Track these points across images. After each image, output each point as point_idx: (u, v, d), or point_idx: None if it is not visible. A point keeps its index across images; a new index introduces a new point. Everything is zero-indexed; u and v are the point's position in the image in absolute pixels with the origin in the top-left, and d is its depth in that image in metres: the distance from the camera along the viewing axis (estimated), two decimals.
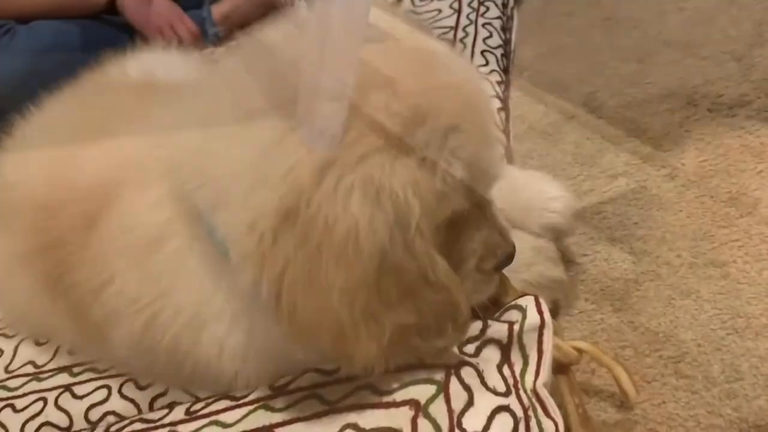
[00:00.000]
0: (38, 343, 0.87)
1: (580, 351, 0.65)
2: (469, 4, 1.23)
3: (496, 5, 1.22)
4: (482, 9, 1.21)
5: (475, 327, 0.62)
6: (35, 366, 0.83)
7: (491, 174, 0.57)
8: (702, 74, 1.03)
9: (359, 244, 0.47)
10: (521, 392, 0.57)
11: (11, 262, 0.73)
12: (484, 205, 0.59)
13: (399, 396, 0.56)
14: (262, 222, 0.48)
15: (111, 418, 0.73)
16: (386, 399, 0.56)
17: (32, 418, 0.76)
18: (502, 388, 0.57)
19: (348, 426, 0.55)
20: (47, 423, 0.75)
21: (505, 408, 0.55)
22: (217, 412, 0.62)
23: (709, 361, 0.67)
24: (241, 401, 0.62)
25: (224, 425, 0.60)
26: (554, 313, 0.76)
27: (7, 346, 0.88)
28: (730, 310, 0.70)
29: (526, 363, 0.60)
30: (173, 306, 0.59)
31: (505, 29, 1.20)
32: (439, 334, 0.54)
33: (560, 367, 0.64)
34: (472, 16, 1.19)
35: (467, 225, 0.58)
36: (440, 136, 0.50)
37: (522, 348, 0.60)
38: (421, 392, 0.56)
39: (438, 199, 0.50)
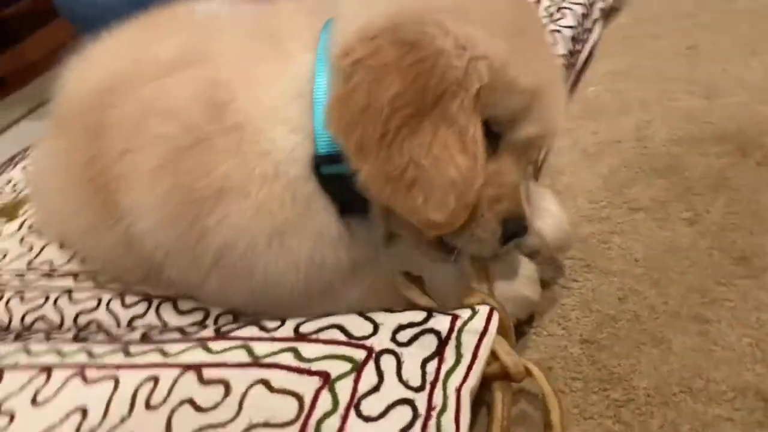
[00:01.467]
0: (60, 246, 0.96)
1: (528, 371, 0.64)
2: (546, 8, 1.21)
3: (575, 15, 1.19)
4: (557, 15, 1.18)
5: (419, 315, 0.63)
6: (50, 266, 0.92)
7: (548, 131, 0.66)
8: (764, 124, 0.96)
9: (430, 75, 0.58)
10: (437, 390, 0.58)
11: (64, 166, 0.80)
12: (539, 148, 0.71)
13: (315, 366, 0.59)
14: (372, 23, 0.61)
15: (93, 327, 0.80)
16: (303, 365, 0.59)
17: (33, 310, 0.85)
18: (416, 382, 0.58)
19: (260, 381, 0.58)
20: (43, 317, 0.83)
21: (409, 402, 0.56)
22: (167, 342, 0.67)
23: (653, 413, 0.64)
24: (191, 337, 0.67)
25: (166, 354, 0.65)
26: (521, 330, 0.76)
27: (37, 243, 0.98)
28: (693, 369, 0.67)
29: (457, 362, 0.60)
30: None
31: (577, 40, 1.17)
32: (438, 207, 0.60)
33: (504, 377, 0.63)
34: (544, 20, 1.17)
35: (498, 160, 0.65)
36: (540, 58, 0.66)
37: (458, 346, 0.61)
38: (336, 367, 0.58)
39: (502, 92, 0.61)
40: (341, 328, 0.62)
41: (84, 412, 0.62)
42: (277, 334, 0.63)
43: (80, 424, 0.60)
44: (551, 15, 1.18)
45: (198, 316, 0.76)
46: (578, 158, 1.03)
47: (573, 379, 0.70)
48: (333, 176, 0.64)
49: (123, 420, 0.59)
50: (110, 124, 0.72)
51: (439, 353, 0.61)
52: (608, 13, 1.41)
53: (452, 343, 0.61)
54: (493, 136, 0.64)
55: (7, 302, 0.87)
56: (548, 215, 0.76)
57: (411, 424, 0.55)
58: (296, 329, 0.63)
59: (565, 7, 1.20)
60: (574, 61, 1.15)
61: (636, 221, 0.88)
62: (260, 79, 0.67)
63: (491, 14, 0.64)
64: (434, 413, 0.57)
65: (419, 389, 0.58)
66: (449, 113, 0.59)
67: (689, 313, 0.73)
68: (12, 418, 0.62)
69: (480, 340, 0.62)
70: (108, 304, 0.82)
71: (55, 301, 0.85)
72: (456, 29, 0.60)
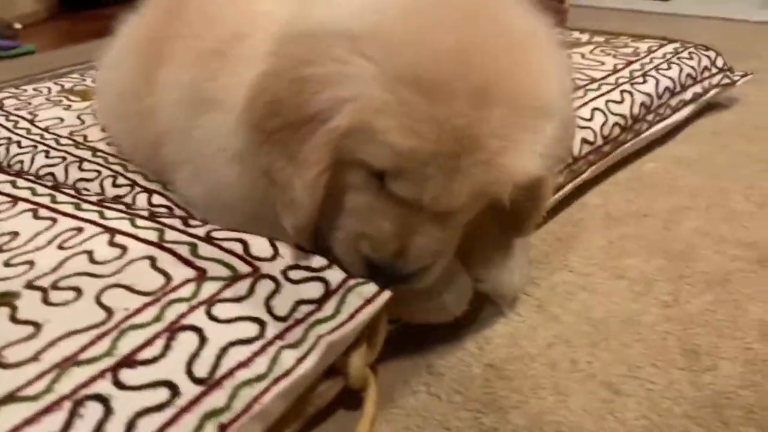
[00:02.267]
0: (102, 130, 1.07)
1: (366, 382, 0.63)
2: (631, 71, 1.17)
3: (657, 86, 1.14)
4: (639, 79, 1.15)
5: (321, 262, 0.64)
6: (84, 139, 1.03)
7: (424, 199, 0.58)
8: None
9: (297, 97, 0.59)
10: (297, 329, 0.59)
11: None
12: (419, 210, 0.60)
13: (200, 262, 0.62)
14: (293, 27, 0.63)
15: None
16: (192, 258, 0.63)
17: (49, 166, 0.96)
18: (280, 312, 0.60)
19: (150, 257, 0.63)
20: (52, 174, 0.94)
21: (261, 323, 0.58)
22: (112, 209, 0.73)
23: None
24: (130, 210, 0.72)
25: (102, 216, 0.71)
26: (439, 333, 0.74)
27: (88, 121, 1.09)
28: (574, 428, 0.63)
29: (332, 317, 0.61)
30: None
31: (650, 110, 1.12)
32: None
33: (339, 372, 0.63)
34: (622, 80, 1.14)
35: (389, 204, 0.60)
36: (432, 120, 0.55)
37: (341, 303, 0.62)
38: (216, 270, 0.61)
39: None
40: (244, 243, 0.64)
41: (15, 234, 0.69)
42: (192, 230, 0.67)
43: (10, 240, 0.68)
44: (632, 77, 1.15)
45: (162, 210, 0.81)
46: (599, 216, 0.99)
47: (456, 392, 0.68)
48: None
49: (38, 249, 0.66)
50: (185, 9, 0.82)
51: (319, 302, 0.61)
52: (711, 106, 1.34)
53: (336, 297, 0.62)
54: (378, 175, 0.60)
55: (34, 156, 0.98)
56: (494, 266, 0.74)
57: (249, 341, 0.56)
58: (209, 232, 0.66)
59: (652, 75, 1.16)
60: (638, 128, 1.10)
61: (612, 287, 0.83)
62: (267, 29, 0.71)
63: (405, 56, 0.56)
64: (280, 343, 0.57)
65: (279, 319, 0.59)
66: (308, 141, 0.58)
67: (605, 380, 0.68)
68: None
69: (363, 306, 0.62)
70: (102, 180, 0.90)
71: (67, 166, 0.94)
72: (344, 59, 0.57)
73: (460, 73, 0.55)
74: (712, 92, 1.28)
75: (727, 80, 1.30)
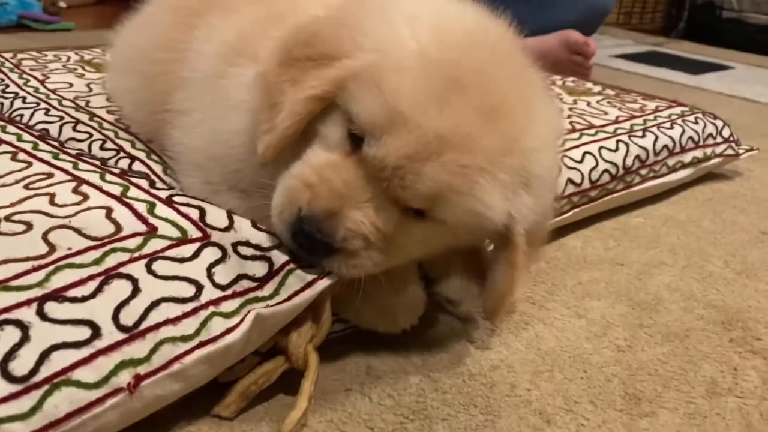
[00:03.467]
0: (107, 99, 1.09)
1: (305, 363, 0.63)
2: (632, 125, 1.18)
3: (654, 142, 1.15)
4: (639, 133, 1.15)
5: (270, 241, 0.65)
6: (87, 104, 1.06)
7: (391, 162, 0.58)
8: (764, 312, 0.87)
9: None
10: (232, 300, 0.60)
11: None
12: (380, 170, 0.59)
13: (153, 220, 0.64)
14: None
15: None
16: (146, 216, 0.64)
17: (45, 123, 0.98)
18: (221, 281, 0.60)
19: (107, 207, 0.64)
20: (47, 130, 0.96)
21: (197, 285, 0.59)
22: (87, 162, 0.75)
23: None
24: (102, 165, 0.74)
25: (76, 167, 0.73)
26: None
27: (96, 89, 1.12)
28: None
29: (270, 297, 0.62)
30: None
31: (644, 165, 1.12)
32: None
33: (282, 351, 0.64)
34: (620, 131, 1.14)
35: (343, 158, 0.61)
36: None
37: (281, 284, 0.63)
38: (166, 229, 0.63)
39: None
40: (201, 211, 0.65)
41: None
42: (155, 191, 0.68)
43: None
44: (632, 129, 1.15)
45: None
46: (574, 258, 0.99)
47: (388, 395, 0.68)
48: None
49: (4, 186, 0.67)
50: None
51: (260, 281, 0.62)
52: (713, 175, 1.34)
53: (277, 279, 0.62)
54: (357, 139, 0.60)
55: (35, 111, 1.01)
56: (454, 274, 0.75)
57: (182, 301, 0.57)
58: (170, 196, 0.67)
59: (652, 132, 1.16)
60: (630, 180, 1.10)
61: (569, 324, 0.83)
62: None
63: (449, 50, 0.60)
64: (212, 309, 0.58)
65: (218, 287, 0.60)
66: (321, 71, 0.61)
67: (539, 408, 0.68)
68: None
69: (303, 288, 0.63)
70: (92, 143, 0.92)
71: (62, 125, 0.97)
72: (397, 26, 0.61)
73: (480, 92, 0.59)
74: (714, 161, 1.28)
75: (731, 151, 1.30)
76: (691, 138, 1.21)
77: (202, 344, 0.56)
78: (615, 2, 2.17)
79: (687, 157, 1.21)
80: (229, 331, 0.58)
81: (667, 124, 1.21)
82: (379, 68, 0.58)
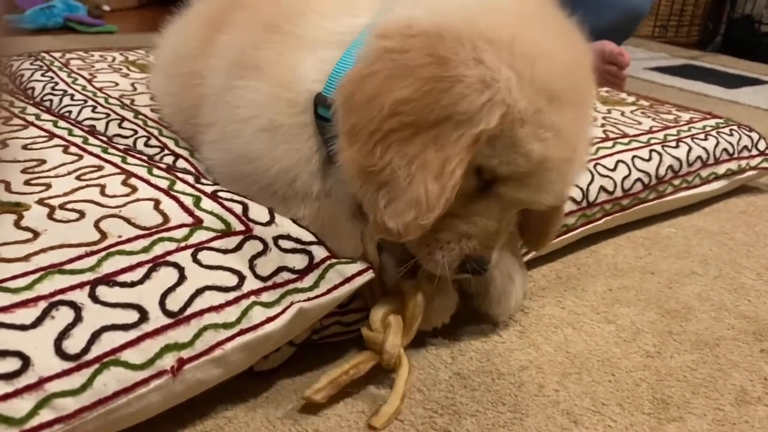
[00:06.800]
0: (151, 99, 1.13)
1: (397, 365, 0.66)
2: (665, 135, 1.18)
3: (687, 153, 1.15)
4: (672, 143, 1.15)
5: (310, 236, 0.67)
6: (131, 102, 1.09)
7: (539, 203, 0.66)
8: None
9: (441, 96, 0.58)
10: (273, 291, 0.62)
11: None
12: (505, 222, 0.67)
13: (199, 213, 0.66)
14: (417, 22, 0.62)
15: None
16: (192, 208, 0.67)
17: (92, 119, 1.02)
18: (262, 272, 0.63)
19: (155, 199, 0.67)
20: (95, 126, 1.00)
21: (240, 276, 0.61)
22: (135, 157, 0.78)
23: None
24: (150, 161, 0.77)
25: (125, 161, 0.76)
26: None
27: (141, 88, 1.16)
28: None
29: (310, 289, 0.64)
30: None
31: (677, 175, 1.12)
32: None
33: (375, 347, 0.67)
34: (654, 141, 1.14)
35: (493, 207, 0.66)
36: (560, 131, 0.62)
37: (320, 278, 0.65)
38: (211, 222, 0.65)
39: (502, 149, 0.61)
40: (244, 206, 0.68)
41: (43, 161, 0.74)
42: (200, 186, 0.71)
43: (36, 166, 0.74)
44: (666, 140, 1.15)
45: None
46: (605, 265, 0.99)
47: (418, 390, 0.69)
48: (325, 119, 0.69)
49: (58, 176, 0.71)
50: None
51: (300, 273, 0.64)
52: (748, 188, 1.33)
53: (317, 272, 0.65)
54: (487, 179, 0.64)
55: (82, 108, 1.05)
56: (494, 286, 0.77)
57: (225, 290, 0.59)
58: (215, 191, 0.70)
59: (686, 142, 1.16)
60: (662, 189, 1.10)
61: (599, 329, 0.83)
62: (325, 13, 0.76)
63: (538, 66, 0.60)
64: (254, 299, 0.60)
65: (259, 278, 0.62)
66: (443, 139, 0.58)
67: (567, 408, 0.68)
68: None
69: (342, 283, 0.65)
70: (136, 139, 0.95)
71: (109, 122, 1.01)
72: (491, 64, 0.58)
73: (572, 85, 0.63)
74: (749, 173, 1.27)
75: (766, 164, 1.29)
76: (725, 150, 1.21)
77: (242, 332, 0.58)
78: (649, 7, 2.16)
79: (721, 169, 1.21)
80: (269, 320, 0.60)
81: (702, 136, 1.20)
82: (509, 125, 0.59)
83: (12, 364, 0.47)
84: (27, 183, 0.69)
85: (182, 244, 0.61)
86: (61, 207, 0.64)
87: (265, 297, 0.61)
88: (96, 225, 0.61)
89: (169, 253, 0.60)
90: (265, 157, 0.72)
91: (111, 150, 0.79)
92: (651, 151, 1.10)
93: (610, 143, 1.10)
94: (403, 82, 0.58)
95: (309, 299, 0.63)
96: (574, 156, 0.64)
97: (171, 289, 0.57)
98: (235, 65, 0.78)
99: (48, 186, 0.68)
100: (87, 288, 0.54)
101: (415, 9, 0.65)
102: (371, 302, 0.70)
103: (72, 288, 0.54)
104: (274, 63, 0.73)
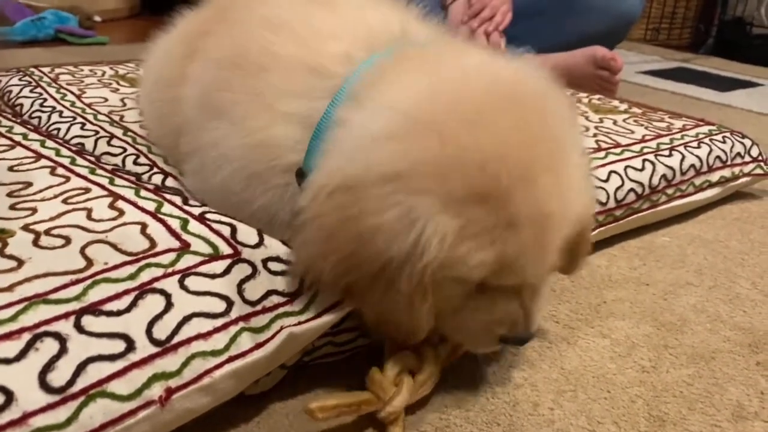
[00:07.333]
0: (140, 114, 1.12)
1: (396, 420, 0.64)
2: (658, 144, 1.18)
3: (680, 161, 1.14)
4: (665, 152, 1.15)
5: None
6: (121, 118, 1.09)
7: (530, 275, 0.62)
8: None
9: (368, 250, 0.57)
10: (262, 315, 0.61)
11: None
12: (525, 287, 0.63)
13: (187, 236, 0.65)
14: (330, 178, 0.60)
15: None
16: (180, 232, 0.66)
17: (81, 137, 1.01)
18: (250, 297, 0.62)
19: (142, 223, 0.66)
20: (83, 144, 0.99)
21: (228, 301, 0.60)
22: (123, 178, 0.77)
23: None
24: (138, 182, 0.76)
25: (112, 183, 0.75)
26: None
27: (130, 104, 1.15)
28: None
29: (300, 312, 0.63)
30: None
31: (670, 184, 1.12)
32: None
33: (378, 393, 0.64)
34: (647, 150, 1.14)
35: (499, 291, 0.63)
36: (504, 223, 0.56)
37: (310, 302, 0.64)
38: (198, 245, 0.64)
39: (472, 266, 0.57)
40: (233, 228, 0.67)
41: (29, 184, 0.74)
42: (188, 208, 0.70)
43: (22, 189, 0.73)
44: (658, 149, 1.15)
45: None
46: (599, 277, 0.99)
47: (410, 411, 0.68)
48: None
49: (44, 199, 0.70)
50: (232, 8, 0.85)
51: (290, 297, 0.63)
52: (741, 194, 1.33)
53: (308, 295, 0.64)
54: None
55: (71, 126, 1.04)
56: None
57: (213, 316, 0.58)
58: (203, 213, 0.69)
59: (679, 151, 1.16)
60: (656, 199, 1.10)
61: (593, 343, 0.83)
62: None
63: (448, 178, 0.55)
64: (242, 324, 0.59)
65: (248, 303, 0.61)
66: (395, 283, 0.57)
67: (562, 428, 0.68)
68: None
69: (333, 306, 0.64)
70: (125, 157, 0.95)
71: (97, 140, 1.00)
72: (406, 200, 0.55)
73: (493, 176, 0.56)
74: (742, 180, 1.27)
75: (759, 171, 1.29)
76: (718, 157, 1.20)
77: (231, 359, 0.58)
78: (641, 11, 2.17)
79: (714, 177, 1.20)
80: (258, 346, 0.59)
81: (694, 143, 1.20)
82: (447, 250, 0.56)
83: None
84: (12, 207, 0.68)
85: (169, 270, 0.60)
86: (47, 233, 0.63)
87: (254, 322, 0.60)
88: (82, 251, 0.60)
89: (156, 279, 0.59)
90: (246, 194, 0.72)
91: (98, 171, 0.78)
92: (644, 160, 1.10)
93: (602, 153, 1.09)
94: (329, 248, 0.59)
95: (299, 323, 0.62)
96: (538, 232, 0.58)
97: (158, 317, 0.56)
98: (204, 104, 0.77)
99: (34, 210, 0.67)
100: (72, 318, 0.53)
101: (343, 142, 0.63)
102: (389, 352, 0.68)
103: (57, 318, 0.53)
104: (237, 105, 0.72)
